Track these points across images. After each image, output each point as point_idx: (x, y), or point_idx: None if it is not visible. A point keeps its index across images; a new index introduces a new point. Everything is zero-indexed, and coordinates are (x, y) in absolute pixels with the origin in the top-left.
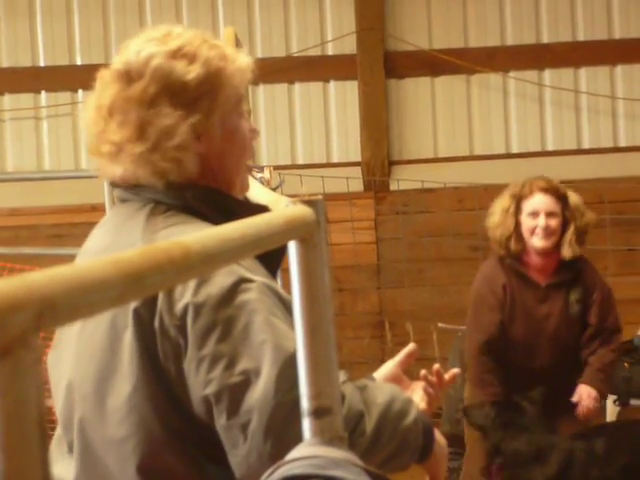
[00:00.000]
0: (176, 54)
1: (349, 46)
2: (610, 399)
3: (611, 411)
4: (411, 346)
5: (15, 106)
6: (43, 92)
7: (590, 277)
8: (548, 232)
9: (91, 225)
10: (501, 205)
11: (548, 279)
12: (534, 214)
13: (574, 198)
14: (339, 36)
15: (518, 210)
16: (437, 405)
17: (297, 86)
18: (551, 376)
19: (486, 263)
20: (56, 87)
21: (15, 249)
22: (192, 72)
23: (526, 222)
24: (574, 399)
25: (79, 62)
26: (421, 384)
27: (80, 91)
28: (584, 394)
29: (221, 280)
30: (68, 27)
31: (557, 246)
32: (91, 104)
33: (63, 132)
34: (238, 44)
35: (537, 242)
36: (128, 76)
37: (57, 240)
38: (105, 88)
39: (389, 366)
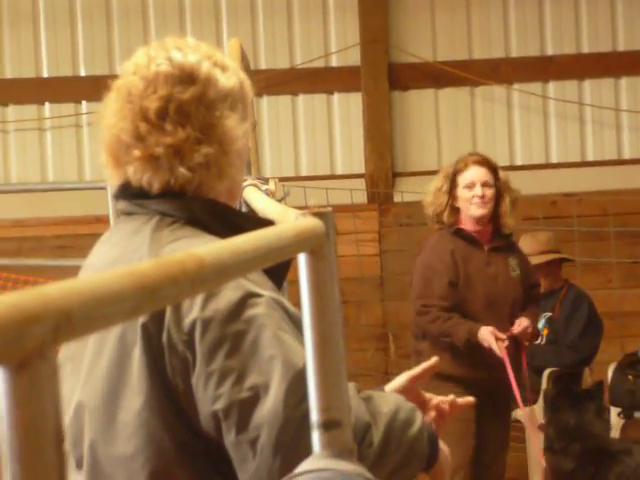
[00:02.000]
0: (214, 62)
1: (353, 58)
2: (614, 411)
3: (615, 424)
4: (433, 360)
5: (19, 117)
6: (47, 103)
7: (519, 248)
8: (485, 200)
9: (95, 236)
10: (434, 185)
11: (489, 243)
12: (470, 185)
13: (503, 174)
14: (343, 48)
15: (454, 185)
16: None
17: (301, 98)
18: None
19: (431, 238)
20: (60, 98)
21: (19, 260)
22: (230, 80)
23: (463, 194)
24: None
25: (83, 73)
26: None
27: (84, 102)
28: (521, 323)
29: (229, 295)
30: (72, 38)
31: (491, 216)
32: (120, 108)
33: (67, 143)
34: (243, 56)
35: (475, 211)
36: (182, 79)
37: (61, 251)
38: (149, 91)
39: (402, 379)
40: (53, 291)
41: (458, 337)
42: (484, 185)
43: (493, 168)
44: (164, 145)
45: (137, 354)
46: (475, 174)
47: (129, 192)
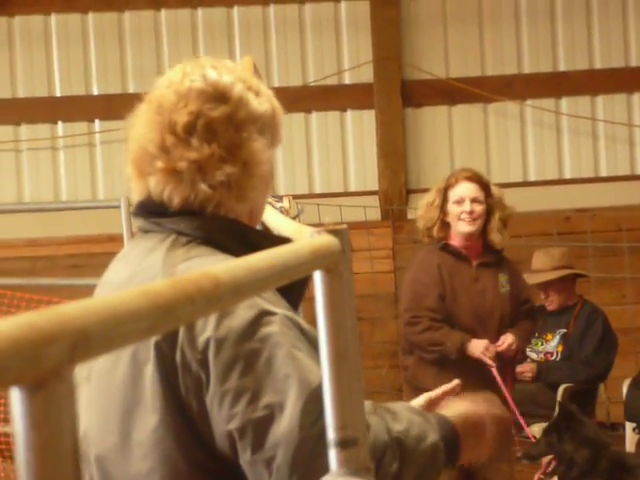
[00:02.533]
0: (248, 86)
1: (366, 75)
2: (629, 427)
3: (630, 439)
4: (455, 382)
5: (32, 136)
6: (60, 122)
7: (511, 264)
8: (473, 217)
9: (109, 255)
10: (426, 200)
11: (477, 259)
12: (460, 201)
13: (497, 191)
14: (356, 65)
15: (445, 200)
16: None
17: (314, 115)
18: None
19: (418, 253)
20: (73, 117)
21: (33, 280)
22: (263, 105)
23: (452, 209)
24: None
25: (96, 92)
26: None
27: (97, 121)
28: (506, 340)
29: (243, 313)
30: (84, 57)
31: (481, 233)
32: (149, 119)
33: (80, 162)
34: (256, 73)
35: (463, 227)
36: (214, 96)
37: (75, 270)
38: (180, 105)
39: (420, 400)
40: (69, 311)
41: (451, 343)
42: (473, 201)
43: (484, 184)
44: (188, 160)
45: (150, 372)
46: (465, 190)
47: (147, 209)
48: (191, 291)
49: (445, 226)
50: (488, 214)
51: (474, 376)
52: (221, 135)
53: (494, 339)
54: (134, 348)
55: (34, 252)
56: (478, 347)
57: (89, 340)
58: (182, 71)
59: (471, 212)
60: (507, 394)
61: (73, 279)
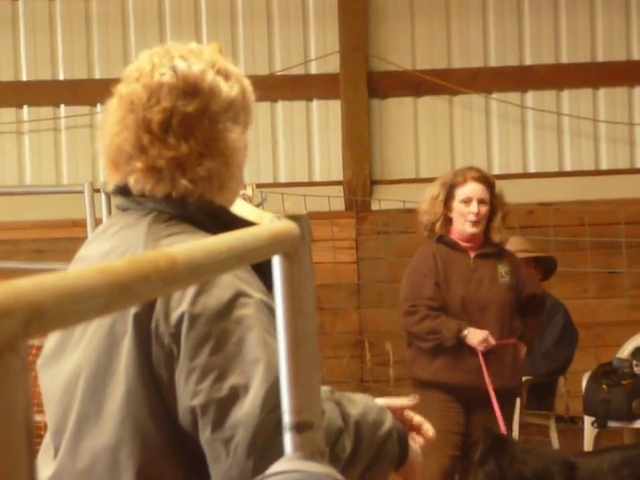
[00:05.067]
0: (217, 70)
1: (332, 65)
2: (588, 421)
3: (589, 433)
4: (411, 400)
5: None
6: (25, 107)
7: (512, 256)
8: (479, 218)
9: (72, 240)
10: (431, 193)
11: (476, 251)
12: (467, 201)
13: (497, 187)
14: (322, 55)
15: (450, 197)
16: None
17: (280, 104)
18: None
19: (418, 248)
20: (38, 102)
21: None
22: (234, 89)
23: (458, 208)
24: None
25: (62, 77)
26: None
27: (62, 106)
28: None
29: (220, 293)
30: (51, 42)
31: (483, 231)
32: (121, 117)
33: (45, 147)
34: None
35: (468, 228)
36: (186, 91)
37: (38, 255)
38: (152, 101)
39: (384, 401)
40: (25, 285)
41: (448, 330)
42: (480, 202)
43: (490, 185)
44: (166, 158)
45: (126, 345)
46: (473, 190)
47: (126, 191)
48: (148, 270)
49: (447, 222)
50: (491, 214)
51: (471, 366)
52: (197, 130)
53: (494, 329)
54: (111, 322)
55: None
56: (477, 336)
57: (44, 315)
58: (150, 62)
59: (477, 213)
60: (492, 391)
61: (36, 263)
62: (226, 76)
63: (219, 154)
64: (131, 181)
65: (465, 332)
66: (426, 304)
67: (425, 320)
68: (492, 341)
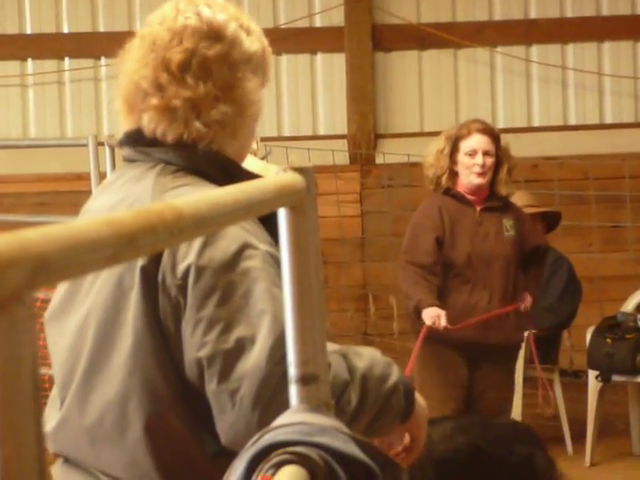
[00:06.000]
0: (240, 24)
1: (337, 18)
2: (592, 375)
3: (593, 387)
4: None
5: (1, 73)
6: (30, 60)
7: (517, 209)
8: (485, 169)
9: (76, 193)
10: (436, 146)
11: (482, 204)
12: (472, 153)
13: (502, 140)
14: (327, 8)
15: (455, 150)
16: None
17: (284, 58)
18: (491, 293)
19: (423, 201)
20: (42, 55)
21: None
22: (254, 44)
23: (464, 160)
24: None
25: (66, 30)
26: None
27: (67, 59)
28: (526, 300)
29: (226, 245)
30: None
31: (489, 183)
32: (142, 56)
33: (49, 100)
34: None
35: (474, 179)
36: (209, 35)
37: (41, 208)
38: (174, 42)
39: None
40: (31, 236)
41: (412, 301)
42: (485, 154)
43: (495, 136)
44: (183, 98)
45: (134, 297)
46: (477, 142)
47: (135, 139)
48: (154, 222)
49: (453, 175)
50: (497, 166)
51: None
52: (216, 74)
53: (498, 283)
54: (119, 274)
55: (1, 189)
56: (429, 315)
57: (50, 266)
58: (175, 8)
59: (483, 165)
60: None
61: (40, 216)
62: (248, 31)
63: (234, 101)
64: (145, 120)
65: (421, 308)
66: (420, 263)
67: (407, 280)
68: (443, 322)
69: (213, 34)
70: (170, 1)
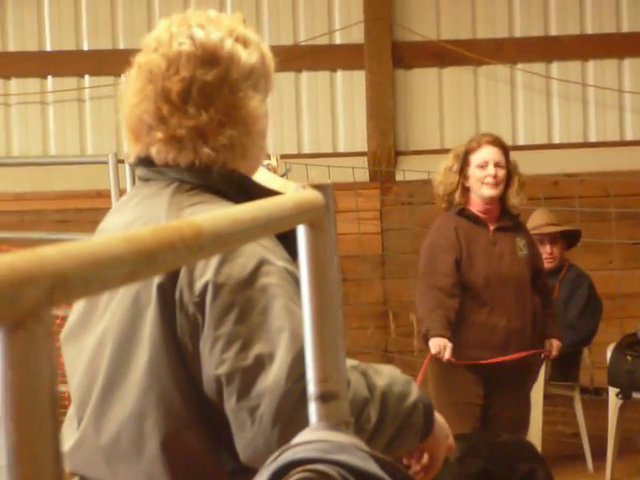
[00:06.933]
0: (235, 37)
1: (357, 35)
2: (612, 392)
3: (613, 404)
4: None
5: (22, 90)
6: (50, 77)
7: (527, 229)
8: (497, 181)
9: (96, 211)
10: (444, 165)
11: (495, 223)
12: (483, 165)
13: (511, 156)
14: (347, 25)
15: (465, 165)
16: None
17: (304, 75)
18: (508, 314)
19: (436, 220)
20: (63, 72)
21: (20, 234)
22: (252, 56)
23: (475, 173)
24: (547, 353)
25: (86, 47)
26: None
27: (87, 76)
28: (554, 346)
29: (243, 262)
30: (75, 12)
31: (500, 197)
32: (141, 87)
33: (69, 117)
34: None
35: (486, 191)
36: (205, 60)
37: (62, 225)
38: (170, 71)
39: None
40: (50, 253)
41: (421, 327)
42: (497, 165)
43: (505, 149)
44: (187, 127)
45: (150, 314)
46: (488, 154)
47: (147, 162)
48: (173, 239)
49: (465, 191)
50: (508, 178)
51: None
52: (217, 99)
53: (514, 303)
54: (135, 292)
55: (22, 206)
56: (435, 344)
57: (68, 282)
58: (168, 31)
59: (495, 176)
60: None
61: (60, 234)
62: (245, 43)
63: (240, 122)
64: (153, 151)
65: (429, 337)
66: (440, 282)
67: (424, 306)
68: (447, 355)
69: (209, 58)
70: (164, 21)
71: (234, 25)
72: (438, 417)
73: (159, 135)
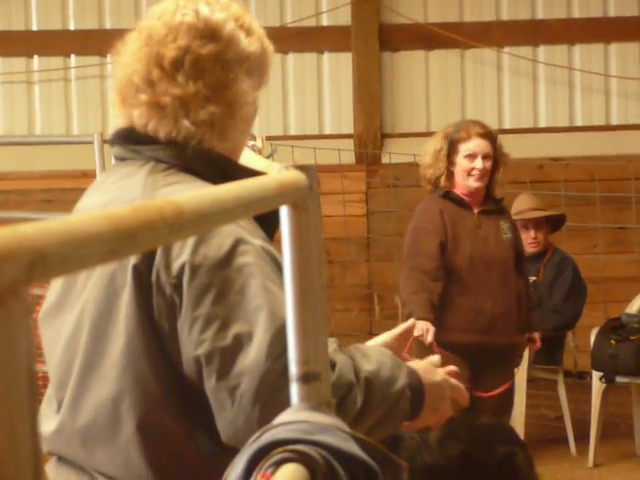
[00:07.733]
0: (240, 24)
1: (344, 17)
2: (596, 376)
3: (597, 388)
4: (410, 322)
5: (7, 70)
6: (36, 56)
7: (510, 213)
8: (483, 173)
9: (81, 191)
10: (433, 146)
11: (479, 206)
12: (471, 156)
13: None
14: (334, 7)
15: (453, 152)
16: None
17: (291, 57)
18: (493, 297)
19: (421, 203)
20: (49, 51)
21: (5, 213)
22: (253, 45)
23: (462, 163)
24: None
25: (72, 27)
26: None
27: (73, 56)
28: (536, 338)
29: (219, 242)
30: None
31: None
32: (137, 50)
33: (55, 97)
34: None
35: (473, 183)
36: (205, 33)
37: (47, 205)
38: (169, 38)
39: (384, 338)
40: (29, 230)
41: (406, 309)
42: (484, 157)
43: (494, 139)
44: (172, 95)
45: (126, 295)
46: (477, 146)
47: (126, 137)
48: (153, 218)
49: (450, 175)
50: (493, 168)
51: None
52: (208, 73)
53: (499, 286)
54: (111, 273)
55: (7, 186)
56: (418, 327)
57: (46, 260)
58: (175, 3)
59: (482, 169)
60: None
61: (45, 214)
62: (248, 32)
63: (225, 102)
64: (135, 115)
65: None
66: (424, 265)
67: (407, 289)
68: (429, 338)
69: (208, 32)
70: None
71: (241, 13)
72: (433, 377)
73: (144, 98)
